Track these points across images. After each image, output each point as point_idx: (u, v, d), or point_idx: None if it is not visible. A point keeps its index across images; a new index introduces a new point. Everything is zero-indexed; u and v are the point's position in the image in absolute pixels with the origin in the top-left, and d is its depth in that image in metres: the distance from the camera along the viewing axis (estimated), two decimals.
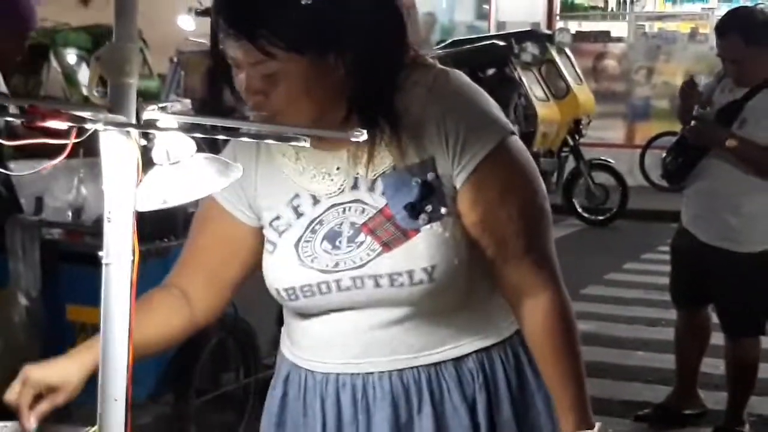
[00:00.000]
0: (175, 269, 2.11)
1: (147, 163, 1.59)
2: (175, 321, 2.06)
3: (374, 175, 1.90)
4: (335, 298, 1.92)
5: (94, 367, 1.73)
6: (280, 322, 5.20)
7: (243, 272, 2.08)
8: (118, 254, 1.57)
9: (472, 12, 18.20)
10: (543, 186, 1.96)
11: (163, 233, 4.29)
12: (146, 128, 1.53)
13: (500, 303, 1.98)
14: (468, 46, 11.70)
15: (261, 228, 2.01)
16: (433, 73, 1.92)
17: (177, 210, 4.34)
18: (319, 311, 1.96)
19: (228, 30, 1.81)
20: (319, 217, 1.93)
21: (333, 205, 1.93)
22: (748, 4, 13.40)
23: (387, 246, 1.88)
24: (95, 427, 1.58)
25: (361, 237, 1.89)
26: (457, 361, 1.94)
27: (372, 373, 1.94)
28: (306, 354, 2.03)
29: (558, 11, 16.45)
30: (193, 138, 1.60)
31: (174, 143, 1.58)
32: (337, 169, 1.92)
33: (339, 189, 1.92)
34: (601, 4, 15.41)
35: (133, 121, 1.52)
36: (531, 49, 12.11)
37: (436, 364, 1.94)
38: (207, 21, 12.48)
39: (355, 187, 1.92)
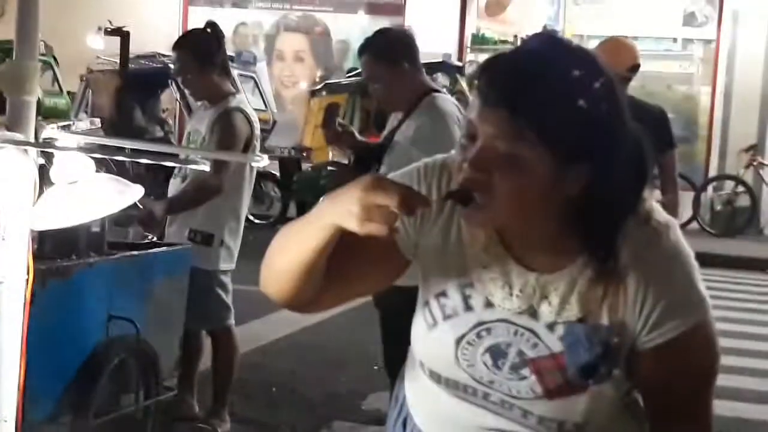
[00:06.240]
0: None
1: (46, 181, 1.59)
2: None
3: (558, 318, 1.77)
4: (477, 401, 1.86)
5: None
6: (182, 345, 5.16)
7: (372, 289, 1.96)
8: (12, 273, 1.56)
9: None
10: (719, 354, 1.85)
11: (64, 252, 4.24)
12: (44, 147, 1.53)
13: (632, 421, 1.92)
14: None
15: (408, 261, 1.88)
16: (648, 231, 1.76)
17: (79, 229, 4.30)
18: (453, 396, 1.88)
19: (489, 94, 1.64)
20: (488, 323, 1.81)
21: (505, 320, 1.80)
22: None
23: (549, 394, 1.79)
24: None
25: (526, 371, 1.79)
26: None
27: None
28: (425, 417, 1.97)
29: (469, 44, 16.63)
30: (102, 158, 1.60)
31: (72, 163, 1.58)
32: (520, 291, 1.78)
33: (517, 309, 1.79)
34: (510, 39, 15.61)
35: (32, 139, 1.53)
36: (441, 80, 12.23)
37: None
38: (117, 40, 12.46)
39: (533, 316, 1.78)
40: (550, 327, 1.77)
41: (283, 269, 1.77)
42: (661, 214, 1.79)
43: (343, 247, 1.74)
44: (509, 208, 1.66)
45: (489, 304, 1.80)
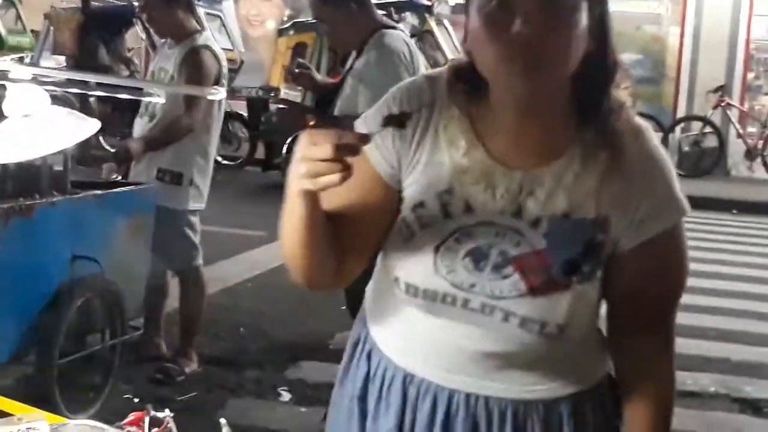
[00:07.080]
0: None
1: None
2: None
3: (543, 212, 1.77)
4: (455, 312, 1.83)
5: None
6: (149, 285, 5.14)
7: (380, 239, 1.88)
8: None
9: None
10: (688, 264, 1.90)
11: (27, 191, 4.20)
12: None
13: (597, 349, 1.95)
14: None
15: (399, 191, 1.84)
16: (630, 129, 1.80)
17: (42, 168, 4.26)
18: (428, 312, 1.86)
19: None
20: (468, 228, 1.79)
21: (486, 222, 1.79)
22: None
23: (533, 291, 1.78)
24: None
25: (509, 270, 1.78)
26: (549, 403, 1.89)
27: (459, 391, 1.88)
28: (393, 345, 1.95)
29: None
30: (67, 99, 1.56)
31: (26, 95, 1.55)
32: (505, 190, 1.78)
33: (500, 210, 1.78)
34: None
35: None
36: (410, 19, 12.13)
37: (526, 402, 1.88)
38: None
39: (516, 215, 1.78)
40: (534, 223, 1.77)
41: (292, 250, 1.76)
42: (638, 118, 1.84)
43: (341, 217, 1.77)
44: (564, 63, 1.69)
45: (468, 209, 1.79)
